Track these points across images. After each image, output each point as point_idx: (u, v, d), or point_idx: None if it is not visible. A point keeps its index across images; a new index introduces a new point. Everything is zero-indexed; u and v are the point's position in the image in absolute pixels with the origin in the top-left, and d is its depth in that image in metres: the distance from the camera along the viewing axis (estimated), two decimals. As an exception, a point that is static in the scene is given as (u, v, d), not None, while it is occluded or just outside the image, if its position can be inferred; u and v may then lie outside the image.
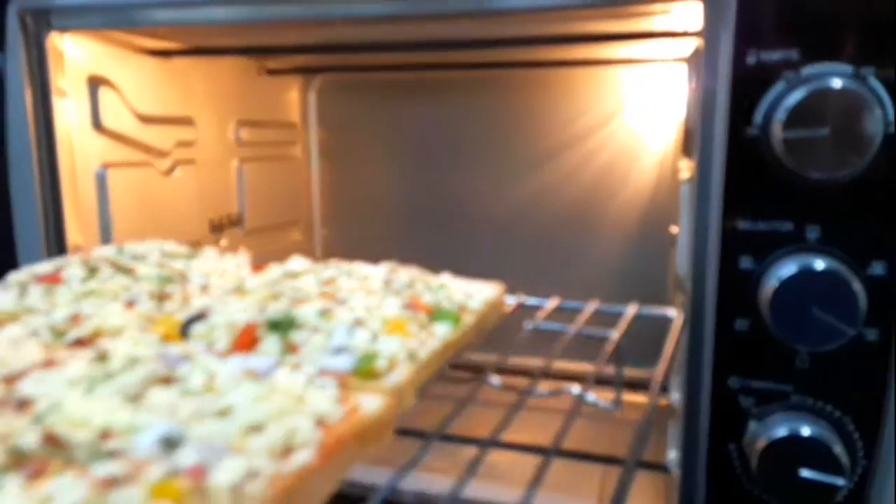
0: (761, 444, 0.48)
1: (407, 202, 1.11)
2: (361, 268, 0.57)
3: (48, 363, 0.38)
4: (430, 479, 0.54)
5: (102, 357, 0.38)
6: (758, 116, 0.48)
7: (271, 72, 1.06)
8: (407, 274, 0.55)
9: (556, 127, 1.03)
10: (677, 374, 0.65)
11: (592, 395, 0.52)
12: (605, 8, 0.57)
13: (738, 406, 0.51)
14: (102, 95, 0.75)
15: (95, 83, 0.74)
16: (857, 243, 0.47)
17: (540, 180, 1.05)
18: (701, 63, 0.51)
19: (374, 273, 0.55)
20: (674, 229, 0.76)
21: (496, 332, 0.53)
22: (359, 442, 0.32)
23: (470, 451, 0.41)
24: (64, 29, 0.68)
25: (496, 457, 0.72)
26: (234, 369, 0.36)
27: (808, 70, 0.47)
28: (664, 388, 0.96)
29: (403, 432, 0.39)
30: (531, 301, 0.61)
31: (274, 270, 0.57)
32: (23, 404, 0.32)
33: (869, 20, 0.45)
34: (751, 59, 0.48)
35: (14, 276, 0.54)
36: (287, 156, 1.12)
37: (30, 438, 0.29)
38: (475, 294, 0.52)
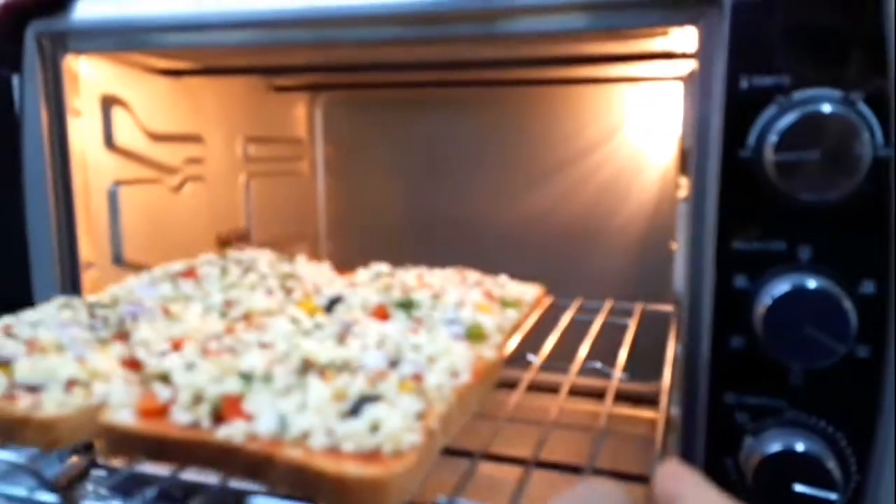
0: (756, 458, 0.50)
1: (411, 216, 1.13)
2: (435, 271, 0.74)
3: (229, 330, 0.55)
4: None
5: (295, 321, 0.54)
6: (751, 139, 0.50)
7: (279, 89, 1.09)
8: (474, 275, 0.73)
9: (558, 143, 1.06)
10: (675, 389, 0.67)
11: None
12: (606, 31, 0.60)
13: (733, 421, 0.52)
14: (115, 114, 0.78)
15: (108, 103, 0.77)
16: (848, 263, 0.49)
17: (542, 196, 1.07)
18: (696, 84, 0.53)
19: (448, 274, 0.72)
20: (674, 245, 0.78)
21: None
22: (484, 378, 0.48)
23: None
24: (79, 51, 0.71)
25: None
26: (392, 328, 0.52)
27: (798, 95, 0.49)
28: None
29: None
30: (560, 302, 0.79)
31: (363, 272, 0.72)
32: (265, 346, 0.48)
33: (857, 47, 0.48)
34: (743, 84, 0.50)
35: (156, 272, 0.72)
36: (294, 171, 1.15)
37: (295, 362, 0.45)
38: (526, 291, 0.70)
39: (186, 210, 0.89)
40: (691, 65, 0.61)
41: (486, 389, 0.49)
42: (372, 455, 0.36)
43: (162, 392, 0.42)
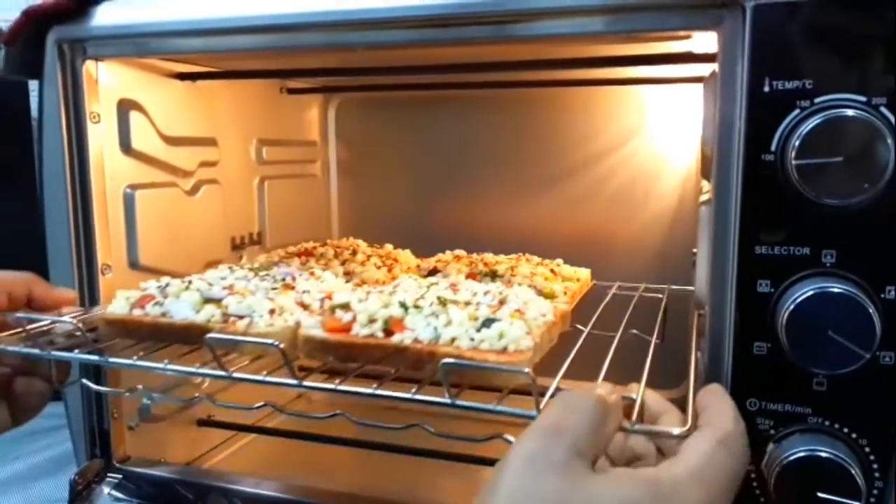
0: (779, 465, 0.51)
1: (424, 218, 1.14)
2: (500, 255, 0.94)
3: (357, 285, 0.77)
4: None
5: (415, 280, 0.72)
6: (774, 143, 0.51)
7: (292, 91, 1.11)
8: (534, 258, 0.92)
9: (575, 145, 1.06)
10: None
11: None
12: (625, 35, 0.61)
13: (756, 428, 0.53)
14: (132, 119, 0.80)
15: (126, 107, 0.79)
16: (872, 268, 0.49)
17: (558, 199, 1.08)
18: (717, 87, 0.54)
19: (512, 257, 0.92)
20: (694, 250, 0.78)
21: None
22: (559, 321, 0.67)
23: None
24: (98, 57, 0.73)
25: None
26: (489, 286, 0.70)
27: (821, 99, 0.49)
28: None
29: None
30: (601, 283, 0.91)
31: (441, 255, 0.95)
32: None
33: (880, 51, 0.48)
34: (766, 88, 0.51)
35: (273, 253, 0.94)
36: (307, 173, 1.17)
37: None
38: (579, 271, 0.88)
39: (201, 213, 0.91)
40: (711, 67, 0.61)
41: (559, 329, 0.67)
42: (501, 352, 0.54)
43: (344, 316, 0.60)
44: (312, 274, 0.75)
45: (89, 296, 0.75)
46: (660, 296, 0.82)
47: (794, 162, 0.49)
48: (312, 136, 1.18)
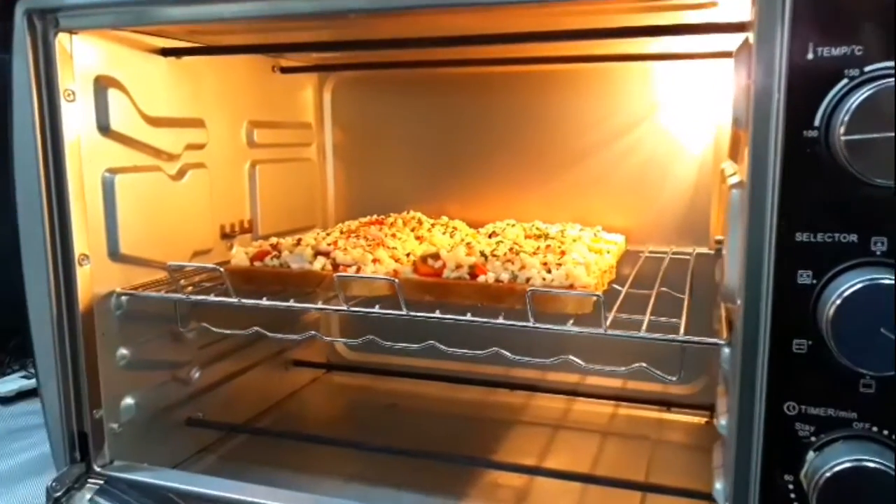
0: (821, 476, 0.47)
1: (426, 204, 1.10)
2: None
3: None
4: None
5: (495, 236, 0.92)
6: (818, 118, 0.46)
7: (285, 70, 1.06)
8: (577, 224, 1.00)
9: (585, 128, 1.01)
10: (724, 396, 0.63)
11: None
12: (649, 3, 0.56)
13: (794, 434, 0.49)
14: (111, 98, 0.75)
15: (103, 85, 0.74)
16: (929, 257, 0.45)
17: (567, 185, 1.03)
18: (752, 59, 0.49)
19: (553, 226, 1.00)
20: (718, 238, 0.74)
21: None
22: (609, 270, 0.80)
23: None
24: (72, 29, 0.68)
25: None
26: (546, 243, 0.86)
27: (872, 68, 0.45)
28: (710, 409, 0.95)
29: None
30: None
31: (491, 225, 1.01)
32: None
33: (942, 12, 0.44)
34: (809, 55, 0.46)
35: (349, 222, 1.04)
36: (301, 157, 1.12)
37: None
38: (617, 238, 0.96)
39: (187, 200, 0.87)
40: (742, 38, 0.57)
41: (608, 277, 0.79)
42: (569, 288, 0.69)
43: (435, 263, 0.75)
44: (394, 236, 0.91)
45: (66, 288, 0.71)
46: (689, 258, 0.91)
47: (841, 138, 0.45)
48: (307, 118, 1.14)
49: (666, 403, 1.00)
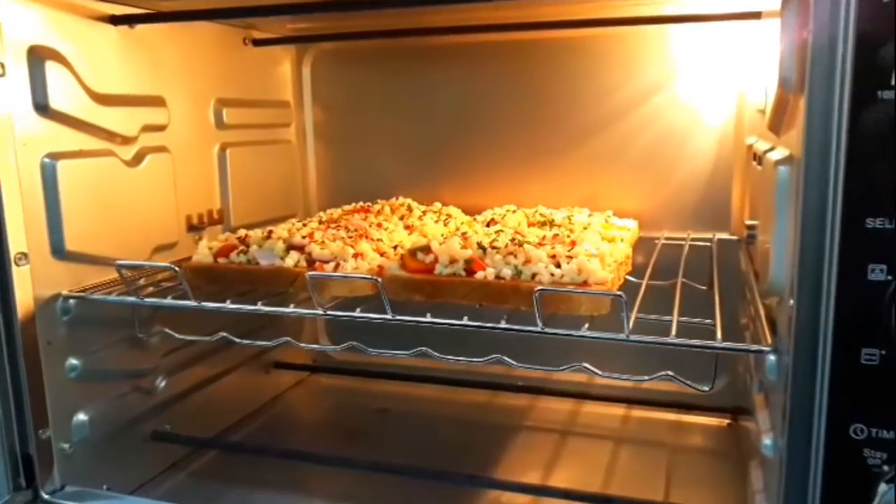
0: (899, 515, 0.39)
1: (417, 188, 1.01)
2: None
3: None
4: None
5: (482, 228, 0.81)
6: None
7: (258, 42, 0.96)
8: (584, 209, 0.92)
9: (594, 99, 0.93)
10: (764, 408, 0.55)
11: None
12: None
13: (863, 463, 0.41)
14: (49, 72, 0.66)
15: (39, 57, 0.65)
16: None
17: (575, 162, 0.95)
18: (805, 9, 0.40)
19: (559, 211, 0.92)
20: (750, 222, 0.66)
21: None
22: (625, 261, 0.72)
23: None
24: (-6, -12, 0.59)
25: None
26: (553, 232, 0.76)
27: (967, 10, 0.36)
28: (733, 411, 0.88)
29: None
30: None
31: (488, 212, 0.92)
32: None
33: None
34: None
35: (331, 210, 0.95)
36: (279, 139, 1.03)
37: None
38: (628, 223, 0.88)
39: (147, 188, 0.78)
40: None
41: (625, 270, 0.71)
42: (582, 285, 0.60)
43: (426, 258, 0.66)
44: (380, 226, 0.82)
45: (0, 292, 0.62)
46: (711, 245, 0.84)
47: (927, 100, 0.36)
48: (285, 96, 1.04)
49: (683, 406, 0.92)
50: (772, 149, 0.56)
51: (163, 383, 0.80)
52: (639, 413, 0.94)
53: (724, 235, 0.90)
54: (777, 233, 0.47)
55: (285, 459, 0.77)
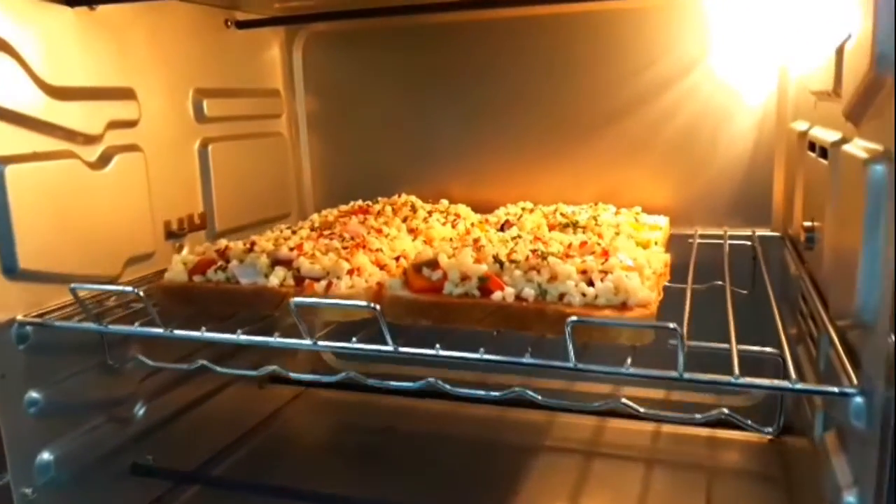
0: None
1: (422, 184, 0.93)
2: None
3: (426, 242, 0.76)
4: None
5: (496, 234, 0.72)
6: None
7: (242, 24, 0.88)
8: (610, 206, 0.84)
9: (618, 81, 0.84)
10: (840, 453, 0.46)
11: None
12: None
13: None
14: (-8, 62, 0.58)
15: (-22, 45, 0.57)
16: None
17: (597, 152, 0.86)
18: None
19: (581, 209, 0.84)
20: (808, 224, 0.57)
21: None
22: (664, 268, 0.64)
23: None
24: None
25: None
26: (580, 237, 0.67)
27: None
28: (783, 426, 0.79)
29: None
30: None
31: (502, 209, 0.85)
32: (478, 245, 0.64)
33: None
34: None
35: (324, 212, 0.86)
36: (268, 132, 0.95)
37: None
38: (658, 219, 0.80)
39: (116, 193, 0.69)
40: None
41: (664, 280, 0.62)
42: (621, 307, 0.51)
43: (433, 274, 0.57)
44: (380, 231, 0.73)
45: (-58, 321, 0.55)
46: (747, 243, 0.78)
47: None
48: (274, 84, 0.96)
49: (720, 423, 0.83)
50: (844, 140, 0.47)
51: (141, 411, 0.72)
52: (670, 428, 0.86)
53: (765, 231, 0.81)
54: (868, 245, 0.38)
55: (277, 498, 0.69)
